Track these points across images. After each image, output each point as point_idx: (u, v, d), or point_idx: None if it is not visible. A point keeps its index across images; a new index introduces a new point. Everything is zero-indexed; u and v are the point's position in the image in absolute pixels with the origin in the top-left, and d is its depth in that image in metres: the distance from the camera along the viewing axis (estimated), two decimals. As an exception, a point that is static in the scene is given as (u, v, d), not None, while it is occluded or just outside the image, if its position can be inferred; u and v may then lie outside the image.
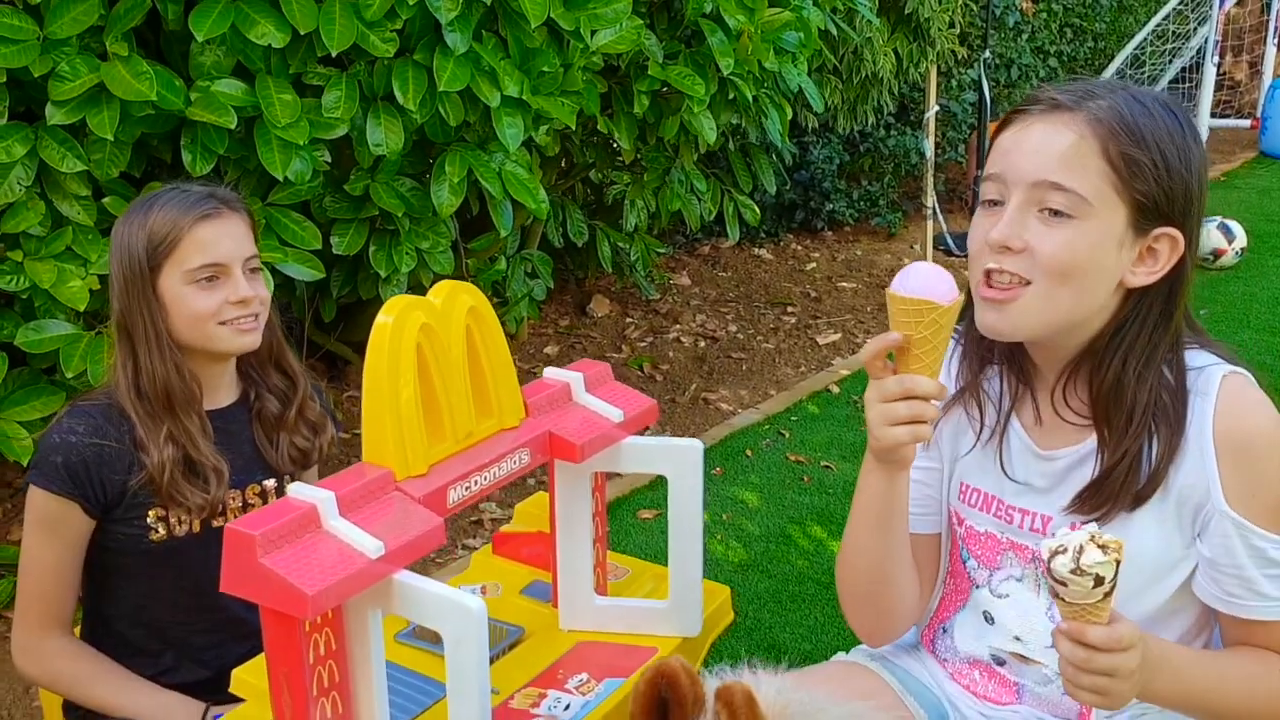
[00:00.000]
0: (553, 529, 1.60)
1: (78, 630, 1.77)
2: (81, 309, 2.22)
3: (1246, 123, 9.24)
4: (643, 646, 1.56)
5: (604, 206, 4.68)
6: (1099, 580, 1.03)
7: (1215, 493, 1.20)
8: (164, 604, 1.68)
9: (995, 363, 1.35)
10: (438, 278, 2.90)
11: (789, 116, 3.39)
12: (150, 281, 1.57)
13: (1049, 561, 1.05)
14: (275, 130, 2.20)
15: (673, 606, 1.58)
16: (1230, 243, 5.59)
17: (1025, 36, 7.40)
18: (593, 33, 2.58)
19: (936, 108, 5.00)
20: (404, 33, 2.34)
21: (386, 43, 2.28)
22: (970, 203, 6.39)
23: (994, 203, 1.22)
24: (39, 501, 1.58)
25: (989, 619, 1.37)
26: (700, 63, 2.92)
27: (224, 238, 1.58)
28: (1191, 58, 8.59)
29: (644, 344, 4.80)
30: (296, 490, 1.20)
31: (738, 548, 3.20)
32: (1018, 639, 1.33)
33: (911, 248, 6.22)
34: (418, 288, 2.91)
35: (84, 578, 1.67)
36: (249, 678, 1.37)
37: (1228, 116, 9.03)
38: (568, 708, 1.45)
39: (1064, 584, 1.05)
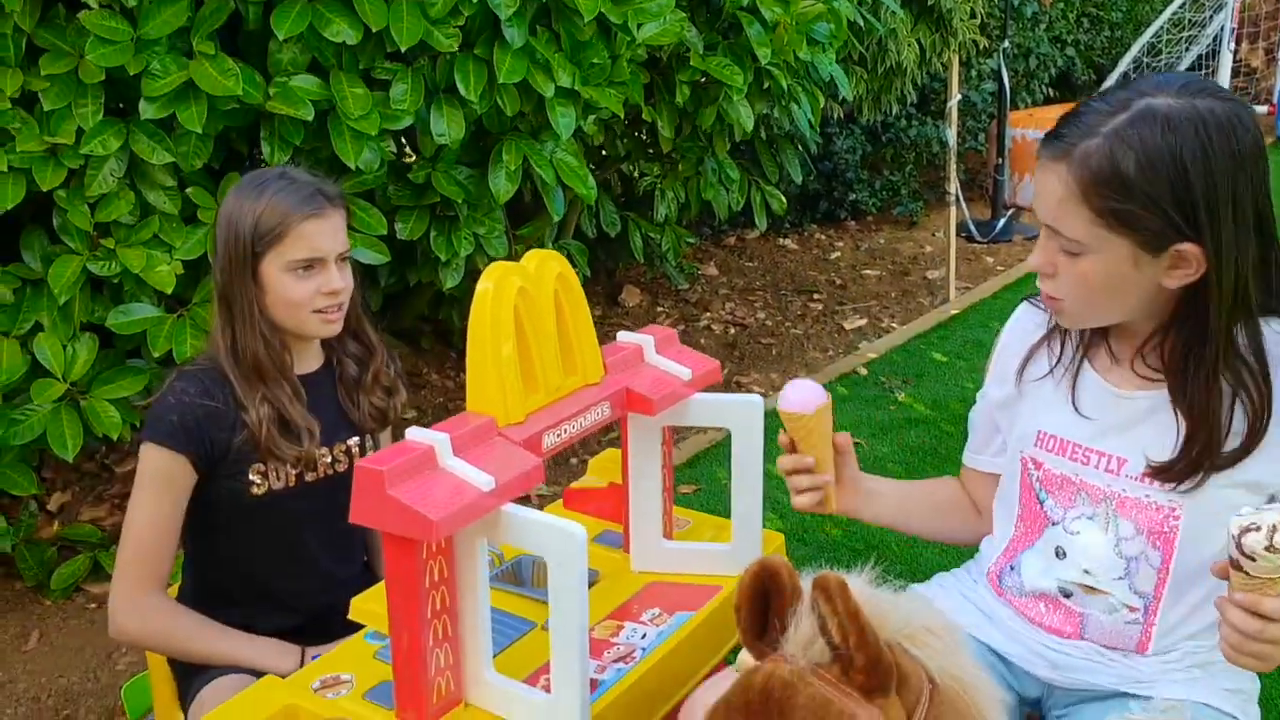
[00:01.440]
0: (625, 480, 1.74)
1: (176, 587, 1.92)
2: (169, 292, 2.38)
3: (1264, 109, 9.33)
4: (708, 585, 1.71)
5: (635, 198, 4.83)
6: None
7: None
8: (260, 555, 1.83)
9: None
10: (491, 261, 3.07)
11: (821, 105, 3.53)
12: (252, 265, 1.71)
13: (1239, 537, 1.12)
14: (348, 122, 2.35)
15: (735, 549, 1.73)
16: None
17: (1043, 26, 7.52)
18: (639, 25, 2.72)
19: (959, 97, 5.12)
20: (465, 29, 2.50)
21: (450, 38, 2.43)
22: (991, 191, 6.52)
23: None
24: (154, 458, 1.71)
25: (1060, 554, 1.47)
26: (738, 53, 3.07)
27: (326, 233, 1.72)
28: (1208, 45, 8.69)
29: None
30: (414, 433, 1.35)
31: (774, 519, 3.34)
32: (1087, 571, 1.44)
33: (933, 235, 6.35)
34: (473, 272, 3.07)
35: (186, 534, 1.81)
36: (368, 605, 1.52)
37: (1244, 104, 9.09)
38: (644, 636, 1.59)
39: (1252, 559, 1.11)
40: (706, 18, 3.14)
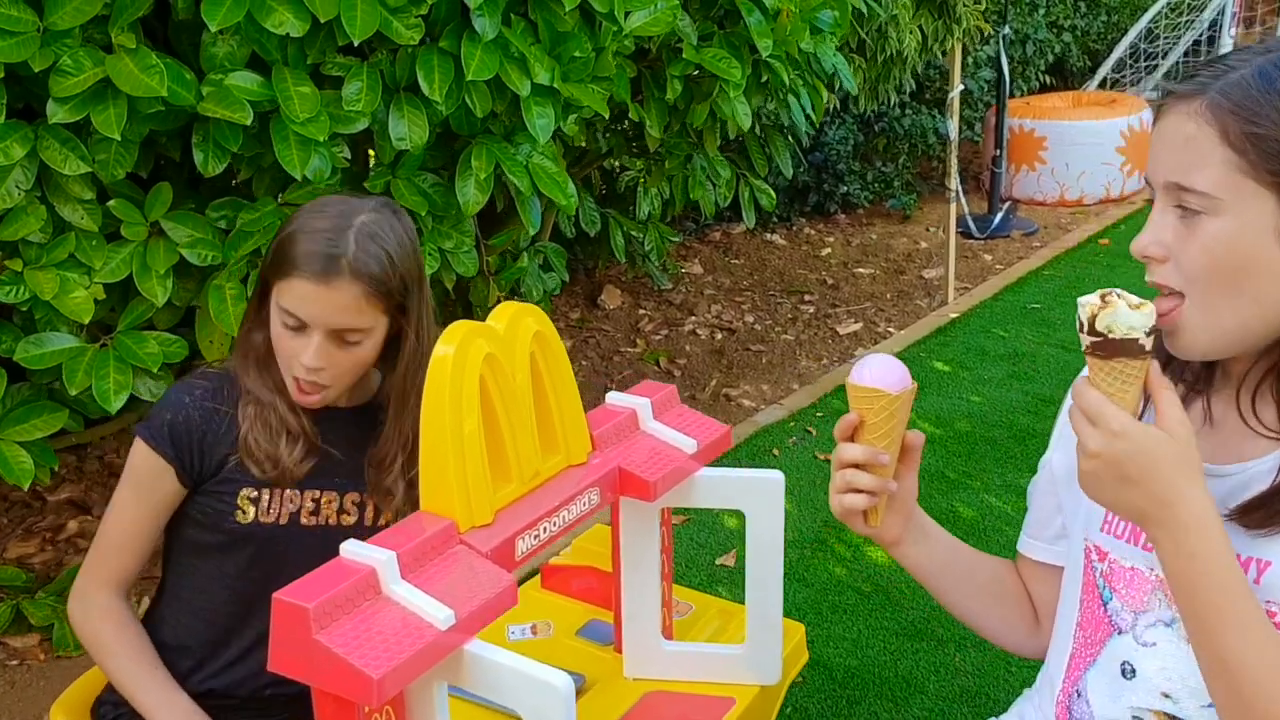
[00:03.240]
0: (616, 568, 1.46)
1: (145, 605, 1.71)
2: (86, 321, 2.07)
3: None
4: (718, 697, 1.42)
5: (615, 194, 4.52)
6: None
7: None
8: (227, 595, 1.57)
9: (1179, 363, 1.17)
10: (460, 279, 2.76)
11: (824, 100, 3.23)
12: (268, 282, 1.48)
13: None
14: (294, 126, 2.04)
15: (750, 651, 1.44)
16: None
17: (1041, 11, 7.25)
18: (626, 14, 2.42)
19: (961, 87, 4.83)
20: (429, 19, 2.19)
21: (411, 29, 2.12)
22: (989, 184, 6.25)
23: (1151, 202, 1.10)
24: (140, 455, 1.52)
25: (1129, 672, 1.18)
26: (735, 44, 2.77)
27: (319, 303, 1.41)
28: (1204, 31, 8.45)
29: (658, 337, 4.66)
30: (352, 550, 1.06)
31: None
32: (1166, 696, 1.14)
33: (927, 230, 6.08)
34: (438, 289, 2.77)
35: (164, 552, 1.62)
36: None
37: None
38: (642, 771, 1.32)
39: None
40: (700, 6, 2.83)
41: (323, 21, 2.02)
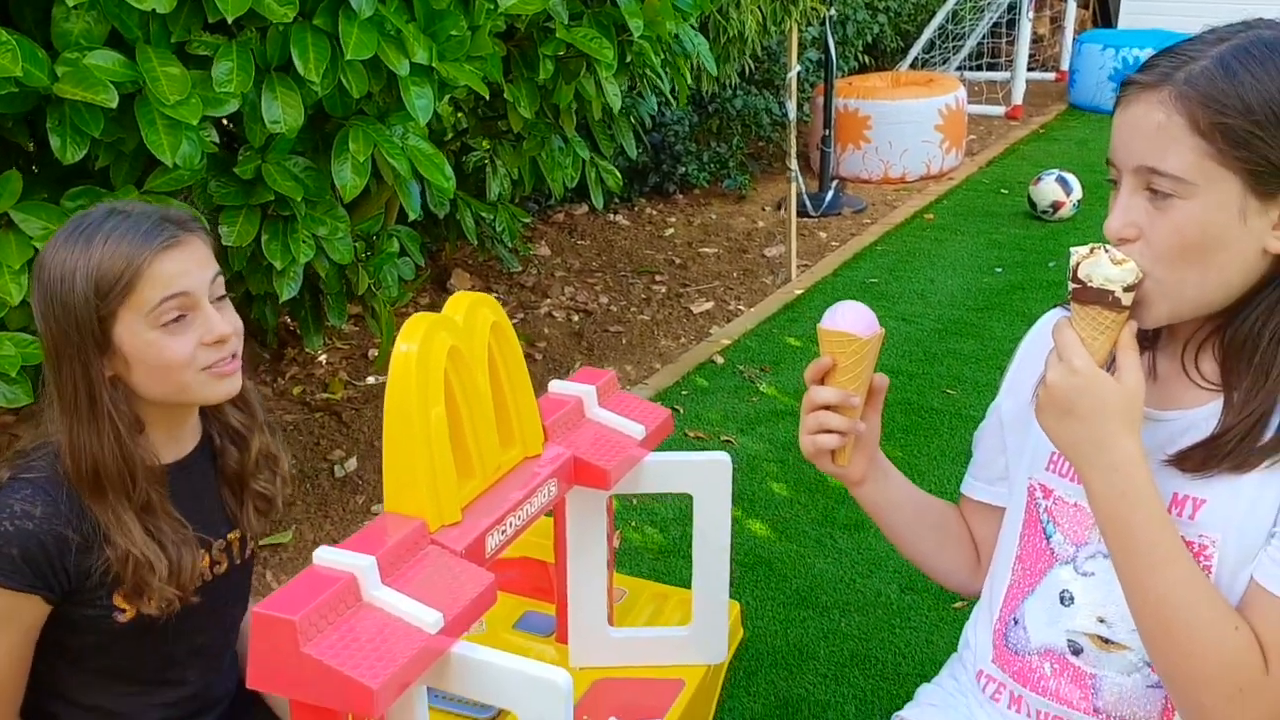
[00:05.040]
0: (559, 558, 1.44)
1: None
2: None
3: (1052, 75, 9.70)
4: (667, 680, 1.42)
5: (462, 175, 4.43)
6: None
7: None
8: (116, 684, 1.43)
9: None
10: (334, 266, 2.66)
11: (688, 83, 3.25)
12: (97, 337, 1.28)
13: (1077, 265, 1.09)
14: (163, 109, 1.91)
15: (697, 633, 1.45)
16: (1068, 195, 5.80)
17: (860, -6, 7.50)
18: (501, -7, 2.37)
19: (799, 68, 4.95)
20: (302, -5, 2.09)
21: (285, 6, 2.01)
22: (819, 163, 6.43)
23: (1115, 183, 1.16)
24: None
25: (1067, 599, 1.27)
26: (604, 24, 2.75)
27: (190, 266, 1.30)
28: (1001, 14, 8.92)
29: (515, 320, 4.60)
30: (326, 556, 1.01)
31: (654, 533, 3.09)
32: (1101, 620, 1.24)
33: (763, 209, 6.21)
34: (313, 279, 2.66)
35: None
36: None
37: (1033, 70, 9.44)
38: (605, 760, 1.30)
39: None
40: (569, -16, 2.80)
41: (192, -4, 1.90)
